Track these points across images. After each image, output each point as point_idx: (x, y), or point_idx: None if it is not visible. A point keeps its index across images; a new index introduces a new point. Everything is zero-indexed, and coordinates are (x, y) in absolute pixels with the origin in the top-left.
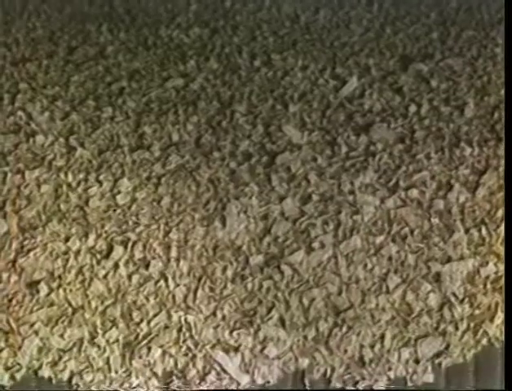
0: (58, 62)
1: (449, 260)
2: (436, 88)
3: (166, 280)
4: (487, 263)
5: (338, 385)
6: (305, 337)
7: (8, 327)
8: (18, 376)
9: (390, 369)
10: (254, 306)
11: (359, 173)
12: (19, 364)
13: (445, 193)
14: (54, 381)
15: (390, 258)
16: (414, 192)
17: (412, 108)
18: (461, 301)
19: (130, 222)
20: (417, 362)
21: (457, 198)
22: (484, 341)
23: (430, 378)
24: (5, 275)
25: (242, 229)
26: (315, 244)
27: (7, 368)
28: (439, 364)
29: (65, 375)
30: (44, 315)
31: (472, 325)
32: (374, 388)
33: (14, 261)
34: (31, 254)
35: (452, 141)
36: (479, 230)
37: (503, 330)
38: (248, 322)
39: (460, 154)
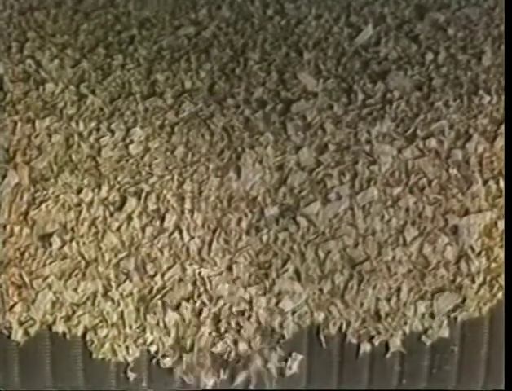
0: (66, 11)
1: (467, 212)
2: (453, 36)
3: (181, 232)
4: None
5: (354, 340)
6: (320, 290)
7: (21, 281)
8: (32, 331)
9: (405, 323)
10: (269, 259)
11: (376, 122)
12: (32, 319)
13: (463, 143)
14: (68, 337)
15: (407, 210)
16: (432, 142)
17: (429, 56)
18: (478, 254)
19: (144, 173)
20: (432, 316)
21: (476, 148)
22: (500, 295)
23: (445, 333)
24: (17, 228)
25: (257, 179)
26: (332, 195)
27: (21, 323)
28: (455, 318)
29: (79, 331)
30: (57, 269)
31: (488, 278)
32: (390, 342)
33: (26, 214)
34: (43, 206)
35: (471, 89)
36: (497, 183)
37: None
38: (263, 275)
39: (478, 102)
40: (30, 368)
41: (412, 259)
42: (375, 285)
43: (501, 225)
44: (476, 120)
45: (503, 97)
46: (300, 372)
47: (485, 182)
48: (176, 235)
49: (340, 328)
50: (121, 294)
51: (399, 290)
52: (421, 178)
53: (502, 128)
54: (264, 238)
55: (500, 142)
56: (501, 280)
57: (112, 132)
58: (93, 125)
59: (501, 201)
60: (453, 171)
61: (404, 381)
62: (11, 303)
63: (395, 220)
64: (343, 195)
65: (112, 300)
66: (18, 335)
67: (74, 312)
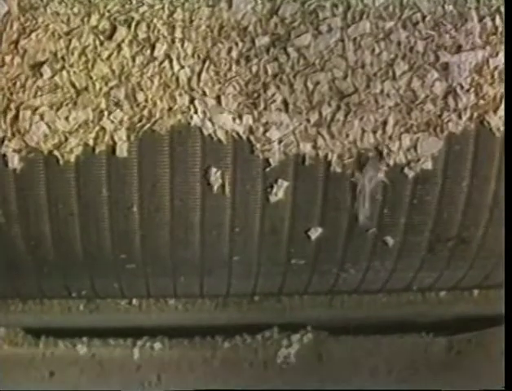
0: None
1: (459, 50)
2: None
3: (171, 62)
4: (498, 54)
5: (338, 169)
6: (307, 121)
7: (15, 112)
8: (27, 158)
9: (389, 156)
10: (258, 89)
11: None
12: (27, 146)
13: None
14: (61, 162)
15: (398, 44)
16: None
17: None
18: (467, 91)
19: (134, 1)
20: (416, 149)
21: None
22: (486, 131)
23: (428, 165)
24: (8, 58)
25: (249, 9)
26: (323, 27)
27: (16, 151)
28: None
29: (72, 157)
30: (48, 99)
31: (475, 115)
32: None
33: (16, 43)
34: (33, 36)
35: None
36: (493, 20)
37: (503, 121)
38: (251, 104)
39: None
40: (27, 193)
41: (401, 93)
42: (362, 117)
43: (493, 63)
44: None
45: None
46: (285, 199)
47: (481, 20)
48: (166, 64)
49: (325, 157)
50: (112, 122)
51: (385, 123)
52: (415, 13)
53: None
54: (254, 68)
55: None
56: (488, 117)
57: None
58: None
59: (495, 38)
60: (449, 7)
61: (385, 211)
62: (5, 135)
63: (385, 53)
64: (334, 28)
65: (104, 128)
66: (14, 162)
67: (67, 139)
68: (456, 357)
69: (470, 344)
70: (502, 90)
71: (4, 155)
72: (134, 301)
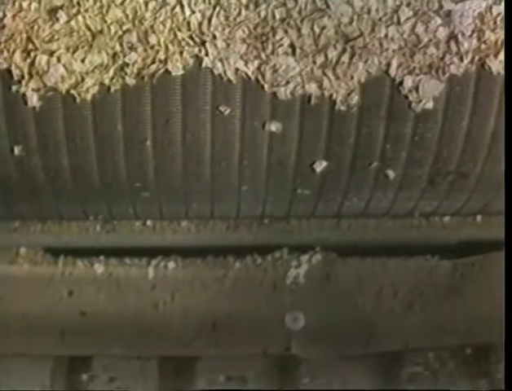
0: None
1: None
2: None
3: (182, 7)
4: (501, 1)
5: (343, 108)
6: (314, 63)
7: (33, 55)
8: (45, 97)
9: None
10: (267, 32)
11: None
12: (45, 86)
13: None
14: (78, 101)
15: None
16: None
17: None
18: (469, 36)
19: None
20: (418, 90)
21: None
22: (486, 73)
23: (430, 105)
24: (25, 3)
25: None
26: None
27: (35, 90)
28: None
29: (88, 97)
30: (65, 43)
31: (477, 58)
32: None
33: None
34: None
35: None
36: None
37: (503, 65)
38: (259, 48)
39: None
40: (46, 129)
41: (404, 37)
42: (366, 60)
43: (496, 10)
44: None
45: None
46: (291, 134)
47: None
48: (178, 9)
49: (330, 97)
50: (127, 64)
51: (388, 65)
52: None
53: None
54: (262, 13)
55: None
56: (489, 61)
57: None
58: None
59: None
60: None
61: (388, 146)
62: (24, 76)
63: (390, 0)
64: None
65: (118, 69)
66: (33, 100)
67: (83, 79)
68: (459, 279)
69: (474, 268)
70: (503, 35)
71: (24, 95)
72: (149, 223)
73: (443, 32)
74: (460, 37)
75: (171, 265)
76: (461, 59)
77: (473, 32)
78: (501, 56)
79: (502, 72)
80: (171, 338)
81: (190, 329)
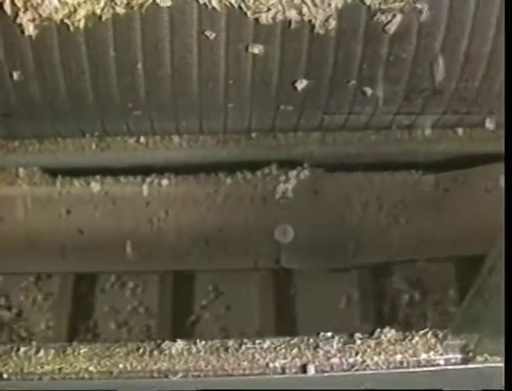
0: None
1: None
2: None
3: None
4: None
5: (321, 32)
6: None
7: None
8: (41, 26)
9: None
10: None
11: None
12: (40, 16)
13: None
14: (71, 29)
15: None
16: None
17: None
18: None
19: None
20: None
21: None
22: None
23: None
24: None
25: None
26: None
27: (31, 20)
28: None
29: (81, 25)
30: None
31: None
32: None
33: None
34: None
35: None
36: None
37: None
38: None
39: None
40: (42, 56)
41: None
42: None
43: None
44: None
45: None
46: (273, 55)
47: None
48: None
49: (309, 22)
50: None
51: None
52: None
53: None
54: None
55: None
56: None
57: None
58: None
59: None
60: None
61: (364, 66)
62: (20, 8)
63: None
64: None
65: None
66: (29, 29)
67: (76, 10)
68: (443, 193)
69: (457, 182)
70: None
71: (20, 25)
72: (142, 139)
73: None
74: None
75: (165, 182)
76: None
77: None
78: None
79: None
80: (166, 252)
81: (184, 243)
